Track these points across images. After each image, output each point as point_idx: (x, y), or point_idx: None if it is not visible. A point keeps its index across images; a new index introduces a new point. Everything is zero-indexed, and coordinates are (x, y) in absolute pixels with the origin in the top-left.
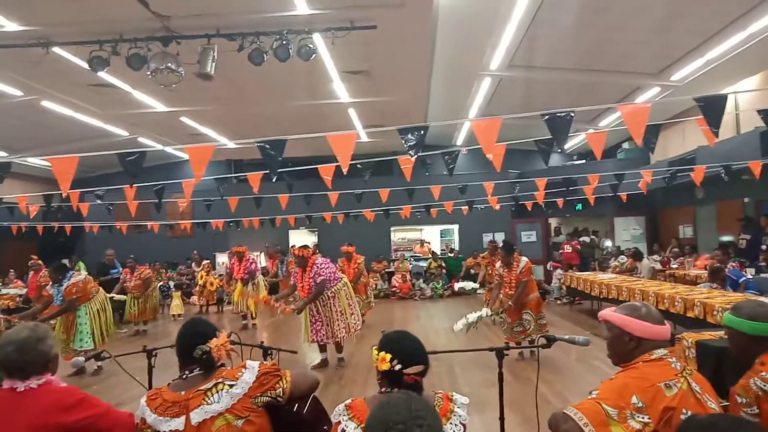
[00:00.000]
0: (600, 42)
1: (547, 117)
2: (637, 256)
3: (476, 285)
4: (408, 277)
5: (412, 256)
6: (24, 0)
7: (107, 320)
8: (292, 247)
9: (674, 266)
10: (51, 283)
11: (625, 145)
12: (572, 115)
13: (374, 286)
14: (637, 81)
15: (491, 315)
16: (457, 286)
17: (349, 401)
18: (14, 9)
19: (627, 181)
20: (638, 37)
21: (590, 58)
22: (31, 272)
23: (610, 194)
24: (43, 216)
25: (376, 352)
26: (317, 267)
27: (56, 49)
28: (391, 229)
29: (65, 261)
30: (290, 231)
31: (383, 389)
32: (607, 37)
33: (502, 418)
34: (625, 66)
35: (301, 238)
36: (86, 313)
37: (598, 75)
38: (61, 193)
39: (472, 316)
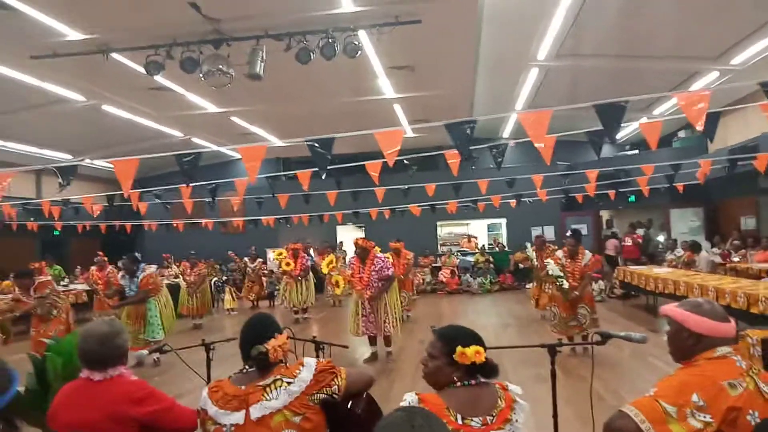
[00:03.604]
0: (653, 26)
1: (599, 107)
2: (694, 248)
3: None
4: (456, 271)
5: (459, 251)
6: (85, 9)
7: (171, 312)
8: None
9: (735, 259)
10: (124, 274)
11: (681, 134)
12: (625, 104)
13: (422, 280)
14: (693, 66)
15: (561, 283)
16: (549, 267)
17: (414, 393)
18: (77, 18)
19: (683, 171)
20: (694, 18)
21: (642, 44)
22: (95, 267)
23: (666, 185)
24: (105, 215)
25: (467, 349)
26: (383, 261)
27: (115, 55)
28: (438, 224)
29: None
30: (338, 227)
31: (459, 383)
32: (661, 20)
33: (555, 415)
34: (680, 50)
35: (348, 233)
36: (156, 306)
37: (651, 61)
38: (122, 193)
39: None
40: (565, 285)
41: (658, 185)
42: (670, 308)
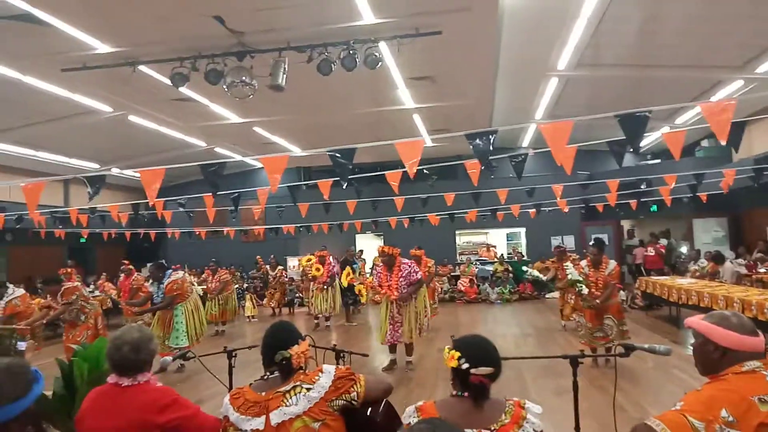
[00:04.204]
0: (675, 35)
1: (621, 117)
2: (718, 259)
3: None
4: (475, 281)
5: (477, 260)
6: (115, 23)
7: (201, 319)
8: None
9: (762, 270)
10: (151, 281)
11: (704, 143)
12: (649, 114)
13: (440, 289)
14: (716, 75)
15: (581, 289)
16: (568, 271)
17: (420, 403)
18: (106, 32)
19: (707, 180)
20: (717, 27)
21: (664, 53)
22: (122, 275)
23: (689, 195)
24: (129, 223)
25: (447, 350)
26: (410, 266)
27: (142, 68)
28: (456, 233)
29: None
30: (357, 235)
31: (454, 393)
32: (683, 29)
33: (577, 428)
34: (703, 60)
35: (367, 242)
36: (182, 312)
37: (673, 70)
38: (146, 202)
39: (577, 276)
40: (584, 291)
41: (681, 195)
42: (696, 321)
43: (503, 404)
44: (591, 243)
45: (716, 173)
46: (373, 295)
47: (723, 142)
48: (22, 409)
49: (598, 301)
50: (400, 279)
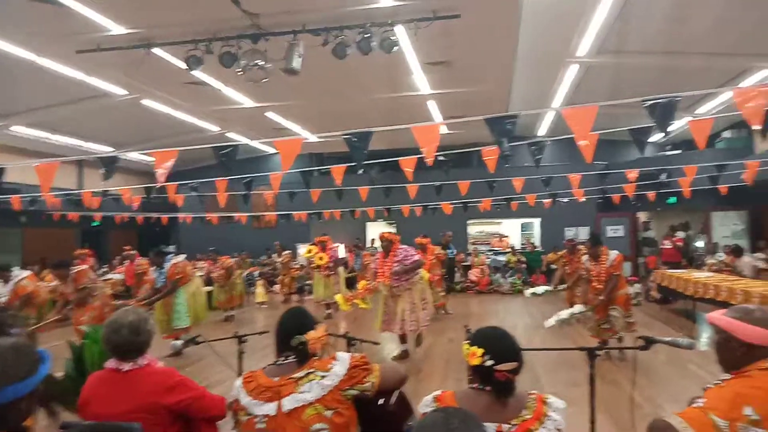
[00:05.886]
0: (705, 21)
1: (648, 104)
2: (737, 252)
3: (548, 287)
4: (486, 271)
5: (489, 250)
6: (129, 3)
7: (202, 302)
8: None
9: None
10: (154, 267)
11: (726, 134)
12: (677, 100)
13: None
14: (744, 63)
15: (585, 311)
16: (527, 293)
17: (438, 393)
18: (121, 13)
19: (728, 172)
20: (750, 12)
21: (692, 40)
22: (127, 261)
23: (709, 187)
24: (142, 207)
25: (467, 346)
26: (405, 251)
27: (156, 50)
28: (468, 222)
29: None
30: (368, 223)
31: (474, 385)
32: (714, 14)
33: (593, 421)
34: (736, 47)
35: (378, 230)
36: (183, 294)
37: (700, 58)
38: (159, 186)
39: (565, 313)
40: (582, 311)
41: (700, 187)
42: (718, 316)
43: (525, 398)
44: (587, 238)
45: (737, 165)
46: (364, 300)
47: (758, 128)
48: (30, 389)
49: (602, 297)
50: (395, 264)
